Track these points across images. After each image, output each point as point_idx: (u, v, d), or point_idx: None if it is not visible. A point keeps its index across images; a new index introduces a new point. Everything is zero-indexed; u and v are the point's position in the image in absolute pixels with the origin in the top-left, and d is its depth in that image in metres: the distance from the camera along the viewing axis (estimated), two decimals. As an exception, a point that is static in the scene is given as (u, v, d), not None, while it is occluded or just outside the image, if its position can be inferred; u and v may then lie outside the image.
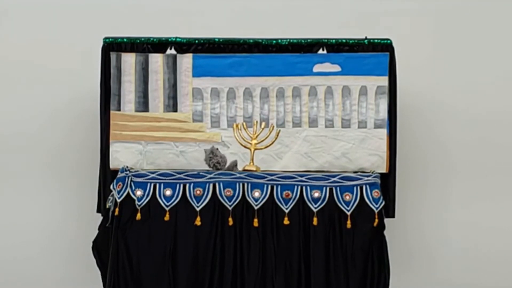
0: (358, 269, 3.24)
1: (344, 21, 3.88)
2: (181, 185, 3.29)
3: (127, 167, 3.37)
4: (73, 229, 3.90)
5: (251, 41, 3.55)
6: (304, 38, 3.54)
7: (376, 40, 3.53)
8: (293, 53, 3.54)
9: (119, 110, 3.52)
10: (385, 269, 3.25)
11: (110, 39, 3.54)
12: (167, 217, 3.26)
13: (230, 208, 3.25)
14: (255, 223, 3.25)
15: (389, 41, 3.52)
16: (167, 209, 3.26)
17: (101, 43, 3.54)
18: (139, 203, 3.27)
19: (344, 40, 3.54)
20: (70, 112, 3.92)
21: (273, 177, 3.29)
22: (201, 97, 3.53)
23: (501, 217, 3.94)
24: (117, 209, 3.27)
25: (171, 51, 3.54)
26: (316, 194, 3.26)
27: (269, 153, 3.47)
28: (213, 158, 3.40)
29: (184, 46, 3.55)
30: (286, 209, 3.26)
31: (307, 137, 3.51)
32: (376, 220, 3.24)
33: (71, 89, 3.90)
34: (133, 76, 3.53)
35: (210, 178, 3.28)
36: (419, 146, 3.92)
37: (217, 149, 3.43)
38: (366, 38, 3.53)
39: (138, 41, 3.54)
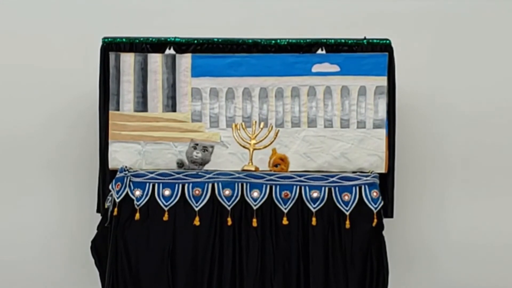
0: (357, 269, 3.24)
1: (343, 21, 3.88)
2: (180, 185, 3.29)
3: (126, 167, 3.37)
4: (72, 229, 3.90)
5: (250, 41, 3.55)
6: (303, 38, 3.55)
7: (375, 40, 3.53)
8: (292, 53, 3.54)
9: (118, 110, 3.52)
10: (384, 269, 3.25)
11: (109, 39, 3.54)
12: (166, 217, 3.26)
13: (229, 208, 3.25)
14: (254, 223, 3.25)
15: (388, 41, 3.53)
16: (166, 209, 3.26)
17: (100, 43, 3.54)
18: (138, 203, 3.27)
19: (343, 40, 3.54)
20: (69, 112, 3.92)
21: (272, 177, 3.30)
22: (200, 97, 3.53)
23: (500, 217, 3.94)
24: (116, 209, 3.27)
25: (170, 51, 3.54)
26: (315, 194, 3.27)
27: (268, 153, 3.47)
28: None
29: (183, 46, 3.55)
30: (285, 209, 3.26)
31: (306, 137, 3.51)
32: (375, 220, 3.24)
33: (70, 89, 3.90)
34: (132, 76, 3.53)
35: (209, 178, 3.29)
36: (418, 146, 3.92)
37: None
38: (365, 38, 3.54)
39: (137, 41, 3.54)
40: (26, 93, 3.92)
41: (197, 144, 3.41)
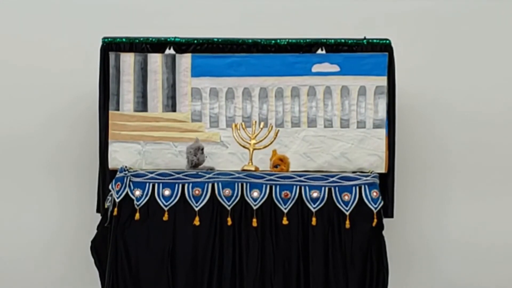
0: (357, 269, 3.24)
1: (343, 21, 3.87)
2: (180, 185, 3.28)
3: (126, 167, 3.37)
4: (72, 229, 3.90)
5: (250, 41, 3.55)
6: (303, 38, 3.55)
7: (375, 40, 3.53)
8: (292, 53, 3.54)
9: (118, 110, 3.52)
10: (384, 269, 3.25)
11: (109, 39, 3.54)
12: (165, 217, 3.25)
13: (229, 208, 3.25)
14: (254, 223, 3.25)
15: (388, 41, 3.53)
16: (166, 209, 3.26)
17: (100, 43, 3.54)
18: (138, 203, 3.27)
19: (343, 40, 3.54)
20: (70, 112, 3.92)
21: (272, 177, 3.29)
22: (200, 97, 3.53)
23: (500, 217, 3.94)
24: (116, 209, 3.27)
25: (170, 51, 3.54)
26: (315, 194, 3.26)
27: (268, 153, 3.47)
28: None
29: (183, 46, 3.56)
30: (285, 209, 3.26)
31: (306, 137, 3.51)
32: (375, 220, 3.24)
33: (70, 89, 3.90)
34: (132, 76, 3.53)
35: (209, 178, 3.28)
36: (418, 146, 3.92)
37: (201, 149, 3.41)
38: (365, 38, 3.54)
39: (137, 41, 3.55)
40: (26, 93, 3.92)
41: (203, 149, 3.40)
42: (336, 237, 3.25)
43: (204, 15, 3.90)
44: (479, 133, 3.93)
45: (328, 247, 3.24)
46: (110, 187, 3.32)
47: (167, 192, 3.28)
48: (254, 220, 3.25)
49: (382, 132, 3.50)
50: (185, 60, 3.54)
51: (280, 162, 3.39)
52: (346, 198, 3.26)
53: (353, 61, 3.50)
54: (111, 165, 3.49)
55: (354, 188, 3.27)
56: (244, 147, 3.47)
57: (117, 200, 3.27)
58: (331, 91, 3.52)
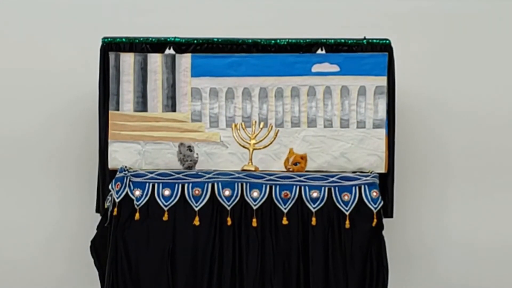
0: (357, 269, 3.24)
1: (343, 21, 3.87)
2: (180, 185, 3.29)
3: (125, 167, 3.37)
4: (72, 229, 3.91)
5: (250, 41, 3.55)
6: (303, 38, 3.55)
7: (374, 40, 3.53)
8: (292, 53, 3.54)
9: (118, 110, 3.52)
10: (384, 269, 3.25)
11: (109, 39, 3.54)
12: (165, 217, 3.26)
13: (228, 208, 3.25)
14: (254, 223, 3.25)
15: (387, 41, 3.52)
16: (165, 209, 3.26)
17: (100, 43, 3.54)
18: (137, 203, 3.27)
19: (343, 40, 3.54)
20: (69, 112, 3.92)
21: (271, 177, 3.30)
22: (200, 97, 3.53)
23: (500, 217, 3.94)
24: (115, 209, 3.27)
25: (170, 51, 3.54)
26: (315, 194, 3.27)
27: (268, 153, 3.47)
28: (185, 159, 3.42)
29: (183, 46, 3.56)
30: (285, 209, 3.26)
31: (306, 137, 3.51)
32: (375, 220, 3.24)
33: (70, 89, 3.91)
34: (132, 76, 3.53)
35: (209, 178, 3.29)
36: (418, 146, 3.92)
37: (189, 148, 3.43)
38: (364, 38, 3.54)
39: (137, 41, 3.55)
40: (26, 93, 3.92)
41: (190, 146, 3.40)
42: (336, 237, 3.25)
43: (204, 15, 3.91)
44: (479, 133, 3.93)
45: (328, 247, 3.24)
46: (110, 187, 3.32)
47: (167, 192, 3.28)
48: (254, 220, 3.25)
49: (382, 132, 3.50)
50: (185, 60, 3.54)
51: (300, 160, 3.40)
52: (346, 198, 3.26)
53: (353, 61, 3.50)
54: (111, 165, 3.49)
55: (354, 188, 3.27)
56: (244, 147, 3.47)
57: (117, 200, 3.27)
58: (331, 91, 3.52)
